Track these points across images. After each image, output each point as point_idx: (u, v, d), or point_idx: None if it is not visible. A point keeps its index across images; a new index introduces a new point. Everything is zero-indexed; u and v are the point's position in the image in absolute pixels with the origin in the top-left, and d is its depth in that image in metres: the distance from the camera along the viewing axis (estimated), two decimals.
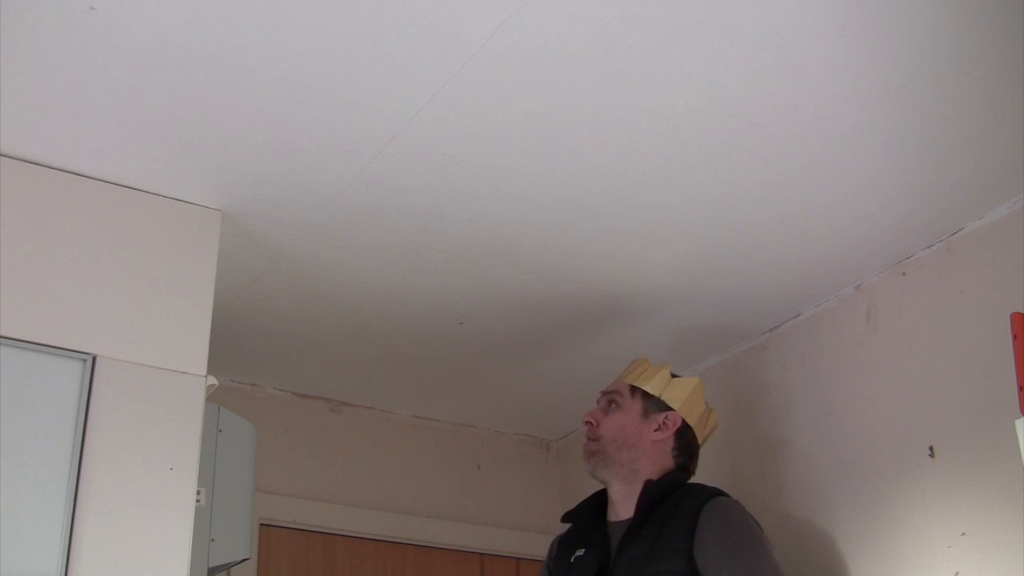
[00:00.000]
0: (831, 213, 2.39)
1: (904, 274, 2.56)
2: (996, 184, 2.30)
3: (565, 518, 2.57)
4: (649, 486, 2.42)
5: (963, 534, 2.29)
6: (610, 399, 2.55)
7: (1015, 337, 2.00)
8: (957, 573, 2.28)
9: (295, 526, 3.14)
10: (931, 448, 2.40)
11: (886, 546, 2.43)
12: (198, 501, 2.10)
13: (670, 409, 2.52)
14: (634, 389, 2.54)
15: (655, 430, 2.50)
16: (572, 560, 2.46)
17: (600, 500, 2.54)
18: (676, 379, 2.58)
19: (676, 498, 2.40)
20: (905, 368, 2.51)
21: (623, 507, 2.46)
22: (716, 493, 2.42)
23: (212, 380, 2.19)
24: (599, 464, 2.50)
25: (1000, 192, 2.33)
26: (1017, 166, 2.24)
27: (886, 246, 2.52)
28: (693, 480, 2.54)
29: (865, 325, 2.63)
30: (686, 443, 2.53)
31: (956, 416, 2.36)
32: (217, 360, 2.26)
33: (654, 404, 2.53)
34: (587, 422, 2.54)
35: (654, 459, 2.48)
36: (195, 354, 2.19)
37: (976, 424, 2.30)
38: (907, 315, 2.54)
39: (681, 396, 2.55)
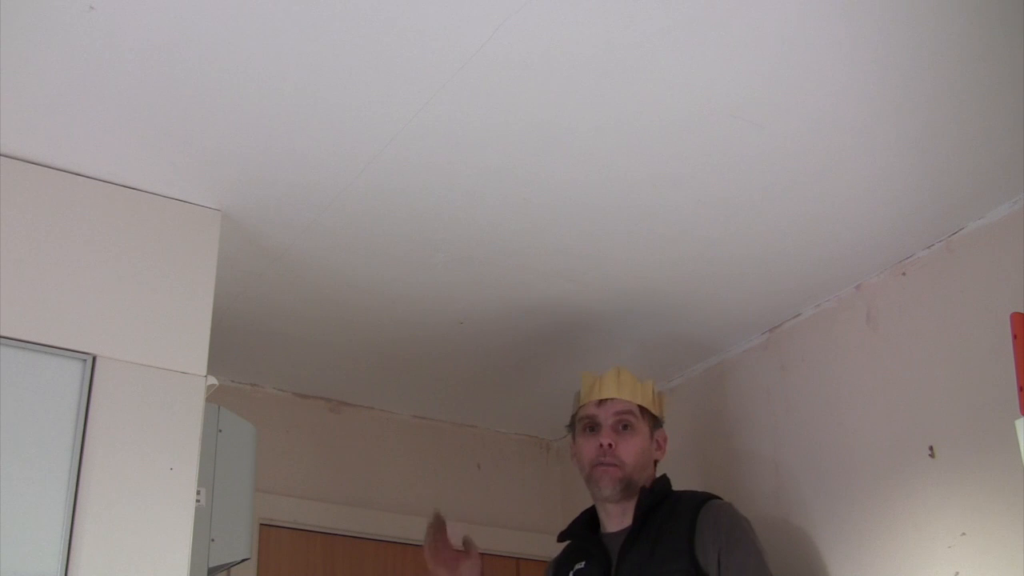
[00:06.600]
0: (831, 213, 2.39)
1: (904, 274, 2.56)
2: (996, 184, 2.30)
3: (561, 537, 2.61)
4: (643, 494, 2.46)
5: (963, 534, 2.28)
6: (624, 422, 2.51)
7: (1015, 337, 2.00)
8: (957, 573, 2.28)
9: (295, 526, 3.14)
10: (931, 448, 2.40)
11: (886, 546, 2.43)
12: (198, 501, 2.10)
13: (661, 425, 2.59)
14: (643, 410, 2.55)
15: (656, 449, 2.57)
16: (572, 574, 2.50)
17: (592, 516, 2.58)
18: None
19: (670, 504, 2.46)
20: (905, 368, 2.50)
21: (618, 520, 2.49)
22: (710, 497, 2.48)
23: (212, 380, 2.19)
24: (623, 490, 2.47)
25: (1000, 192, 2.33)
26: (1017, 166, 2.24)
27: (886, 246, 2.52)
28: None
29: (865, 325, 2.63)
30: None
31: (956, 416, 2.36)
32: (217, 360, 2.26)
33: (654, 423, 2.57)
34: (608, 444, 2.48)
35: (650, 473, 2.55)
36: (195, 354, 2.19)
37: (976, 424, 2.30)
38: (907, 315, 2.54)
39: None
